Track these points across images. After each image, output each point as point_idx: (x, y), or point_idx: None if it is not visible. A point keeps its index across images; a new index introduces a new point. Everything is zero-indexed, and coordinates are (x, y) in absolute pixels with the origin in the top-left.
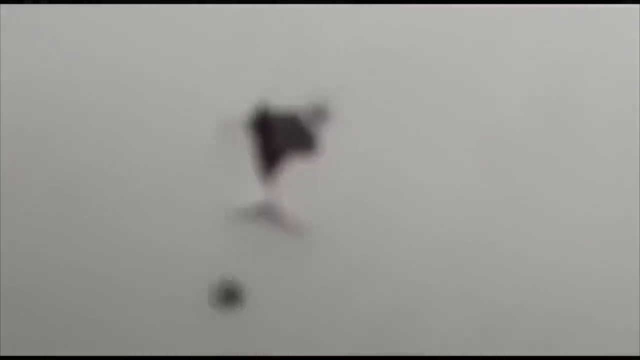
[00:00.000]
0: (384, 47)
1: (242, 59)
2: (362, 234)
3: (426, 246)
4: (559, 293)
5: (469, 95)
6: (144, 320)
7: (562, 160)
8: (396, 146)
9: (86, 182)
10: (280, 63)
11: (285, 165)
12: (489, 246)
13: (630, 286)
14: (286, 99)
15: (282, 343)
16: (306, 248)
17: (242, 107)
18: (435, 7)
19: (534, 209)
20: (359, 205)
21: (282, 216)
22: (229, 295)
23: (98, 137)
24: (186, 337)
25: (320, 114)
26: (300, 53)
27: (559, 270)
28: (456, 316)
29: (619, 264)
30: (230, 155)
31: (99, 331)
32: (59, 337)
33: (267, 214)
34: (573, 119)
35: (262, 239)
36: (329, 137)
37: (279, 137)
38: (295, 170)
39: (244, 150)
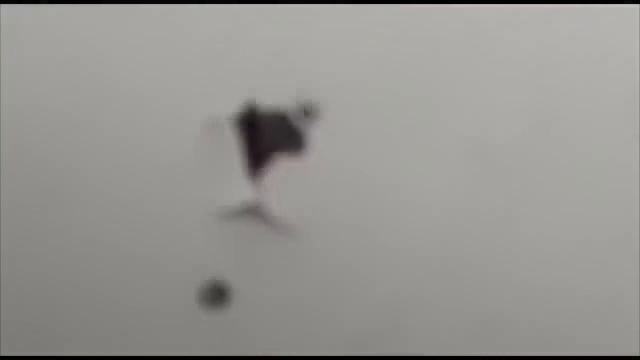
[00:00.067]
0: (373, 47)
1: (230, 58)
2: (349, 233)
3: (415, 246)
4: (558, 293)
5: (459, 96)
6: (131, 320)
7: (553, 163)
8: (384, 146)
9: (76, 183)
10: (268, 62)
11: (273, 164)
12: (476, 248)
13: (630, 286)
14: (274, 97)
15: (269, 343)
16: (294, 247)
17: (230, 106)
18: (425, 7)
19: (524, 209)
20: (346, 205)
21: (269, 215)
22: (217, 295)
23: (90, 138)
24: (174, 337)
25: (308, 112)
26: (288, 52)
27: (559, 271)
28: (444, 317)
29: (619, 264)
30: (218, 154)
31: (86, 331)
32: (47, 337)
33: (254, 213)
34: (571, 121)
35: (249, 238)
36: (317, 136)
37: (267, 136)
38: (283, 169)
39: (231, 149)
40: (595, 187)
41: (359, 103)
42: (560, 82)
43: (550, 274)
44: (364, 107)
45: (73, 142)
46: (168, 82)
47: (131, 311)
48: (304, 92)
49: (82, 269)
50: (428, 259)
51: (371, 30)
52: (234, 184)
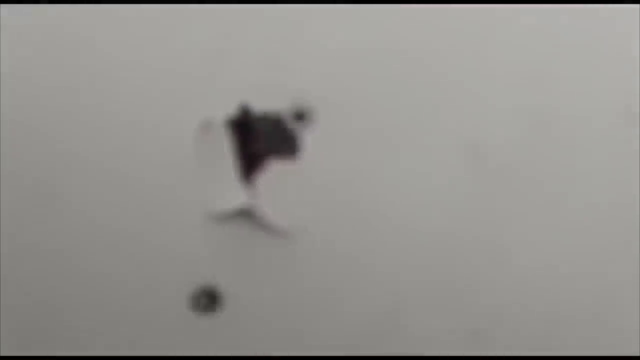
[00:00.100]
0: (367, 50)
1: (224, 61)
2: (344, 236)
3: (410, 249)
4: (558, 293)
5: (456, 98)
6: (123, 322)
7: (552, 164)
8: (379, 149)
9: (68, 185)
10: (262, 66)
11: (267, 167)
12: (475, 249)
13: (630, 286)
14: (268, 101)
15: (262, 347)
16: (287, 251)
17: (224, 110)
18: (420, 8)
19: (522, 209)
20: (341, 208)
21: (263, 219)
22: (209, 299)
23: (85, 139)
24: (167, 341)
25: (302, 116)
26: (282, 55)
27: (558, 271)
28: (440, 318)
29: (619, 264)
30: (212, 157)
31: (78, 332)
32: (39, 339)
33: (248, 216)
34: (570, 122)
35: (243, 241)
36: (311, 139)
37: (261, 139)
38: (277, 172)
39: (225, 153)
40: (594, 188)
41: (353, 107)
42: (559, 83)
43: (549, 274)
44: (357, 111)
45: (68, 144)
46: (162, 85)
47: (124, 314)
48: (298, 96)
49: (74, 272)
50: (424, 262)
51: (366, 34)
52: (227, 187)
